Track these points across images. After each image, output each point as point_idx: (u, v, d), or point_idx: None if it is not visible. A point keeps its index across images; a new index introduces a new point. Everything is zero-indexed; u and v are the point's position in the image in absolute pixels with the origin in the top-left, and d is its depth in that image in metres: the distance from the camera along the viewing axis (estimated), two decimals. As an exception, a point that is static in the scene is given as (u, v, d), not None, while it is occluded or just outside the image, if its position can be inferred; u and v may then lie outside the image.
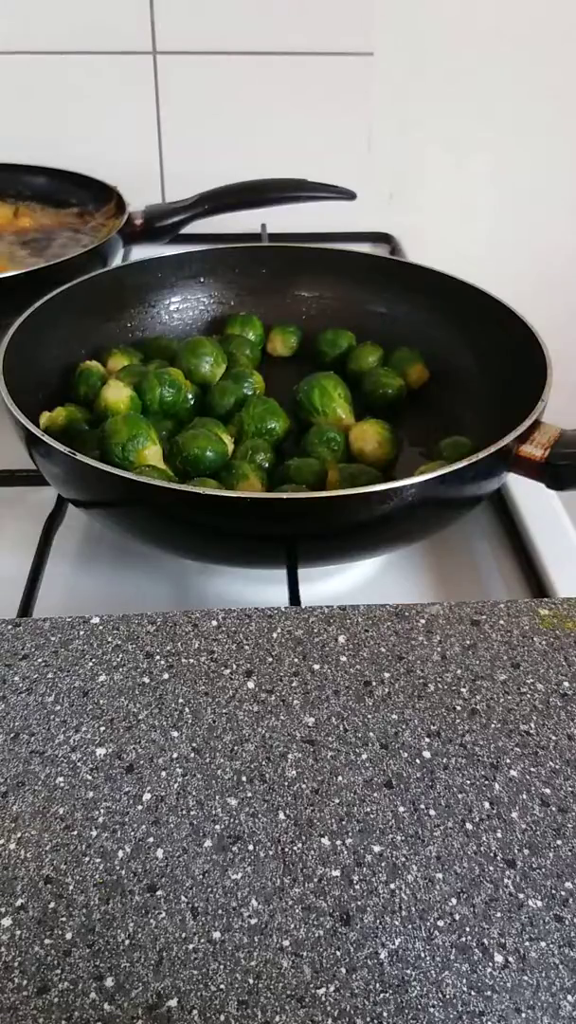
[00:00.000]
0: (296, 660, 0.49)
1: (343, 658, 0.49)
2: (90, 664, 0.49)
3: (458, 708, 0.47)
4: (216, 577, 0.73)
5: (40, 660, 0.49)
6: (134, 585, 0.72)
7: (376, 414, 0.84)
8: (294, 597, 0.64)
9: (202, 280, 0.93)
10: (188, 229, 1.09)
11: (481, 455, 0.64)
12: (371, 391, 0.85)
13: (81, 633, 0.50)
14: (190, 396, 0.81)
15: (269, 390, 0.86)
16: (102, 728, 0.46)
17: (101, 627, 0.51)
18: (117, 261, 1.06)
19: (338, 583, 0.73)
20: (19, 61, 1.15)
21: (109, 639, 0.50)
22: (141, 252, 1.10)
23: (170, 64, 1.17)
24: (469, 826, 0.43)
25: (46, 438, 0.65)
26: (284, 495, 0.60)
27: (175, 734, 0.45)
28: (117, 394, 0.77)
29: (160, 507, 0.63)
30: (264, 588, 0.71)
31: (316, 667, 0.49)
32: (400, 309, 0.92)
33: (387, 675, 0.49)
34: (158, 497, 0.61)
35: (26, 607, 0.60)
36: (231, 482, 0.71)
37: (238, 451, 0.76)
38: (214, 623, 0.51)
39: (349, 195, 1.08)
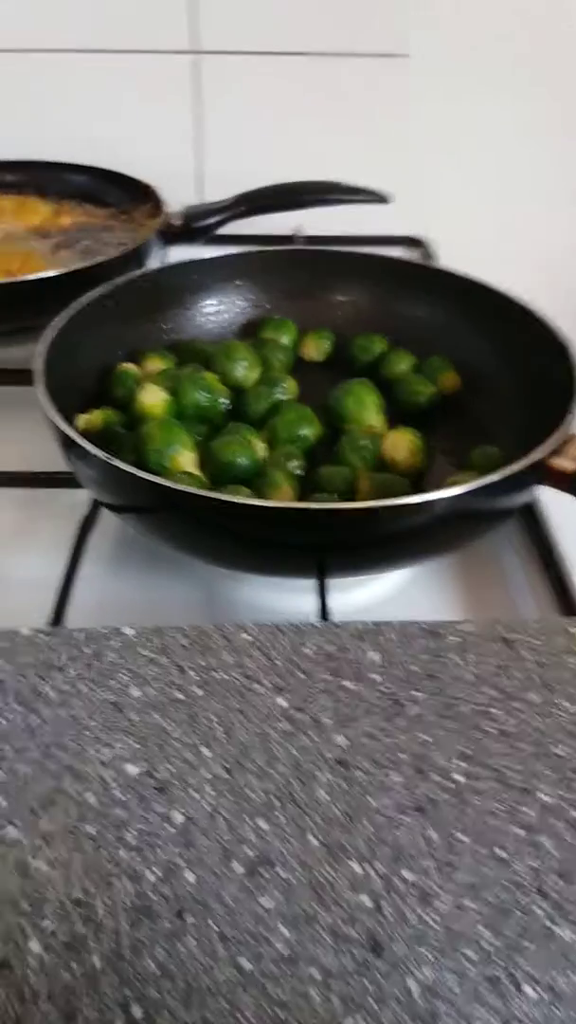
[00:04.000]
0: (328, 677, 0.48)
1: (375, 676, 0.48)
2: (124, 677, 0.48)
3: (490, 730, 0.46)
4: (246, 585, 0.71)
5: (74, 672, 0.48)
6: (165, 590, 0.71)
7: (408, 421, 0.82)
8: (323, 608, 0.63)
9: (238, 283, 0.92)
10: (223, 230, 1.08)
11: (512, 469, 0.62)
12: (403, 399, 0.83)
13: (115, 645, 0.49)
14: (224, 400, 0.80)
15: (302, 395, 0.84)
16: (135, 745, 0.45)
17: (135, 639, 0.50)
18: (155, 261, 1.04)
19: (367, 593, 0.72)
20: (60, 59, 1.13)
21: (142, 652, 0.49)
22: (178, 253, 1.08)
23: (210, 63, 1.15)
24: (501, 853, 0.41)
25: (84, 443, 0.64)
26: (316, 505, 0.59)
27: (207, 753, 0.44)
28: (153, 398, 0.75)
29: (194, 514, 0.61)
30: (293, 596, 0.69)
31: (348, 685, 0.47)
32: (432, 314, 0.90)
33: (419, 695, 0.47)
34: (192, 504, 0.60)
35: (59, 613, 0.59)
36: (264, 490, 0.70)
37: (271, 458, 0.74)
38: (246, 637, 0.50)
39: (382, 198, 1.05)
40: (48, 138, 1.17)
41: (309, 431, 0.77)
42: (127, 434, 0.75)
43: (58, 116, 1.17)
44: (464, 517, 0.63)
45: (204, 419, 0.78)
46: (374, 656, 0.49)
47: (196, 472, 0.71)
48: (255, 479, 0.71)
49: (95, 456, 0.62)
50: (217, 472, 0.71)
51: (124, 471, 0.61)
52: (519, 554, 0.75)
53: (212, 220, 1.02)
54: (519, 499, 0.67)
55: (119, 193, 1.13)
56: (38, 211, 1.08)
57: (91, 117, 1.17)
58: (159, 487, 0.60)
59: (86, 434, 0.75)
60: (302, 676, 0.48)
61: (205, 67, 1.15)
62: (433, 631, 0.50)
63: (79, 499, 0.73)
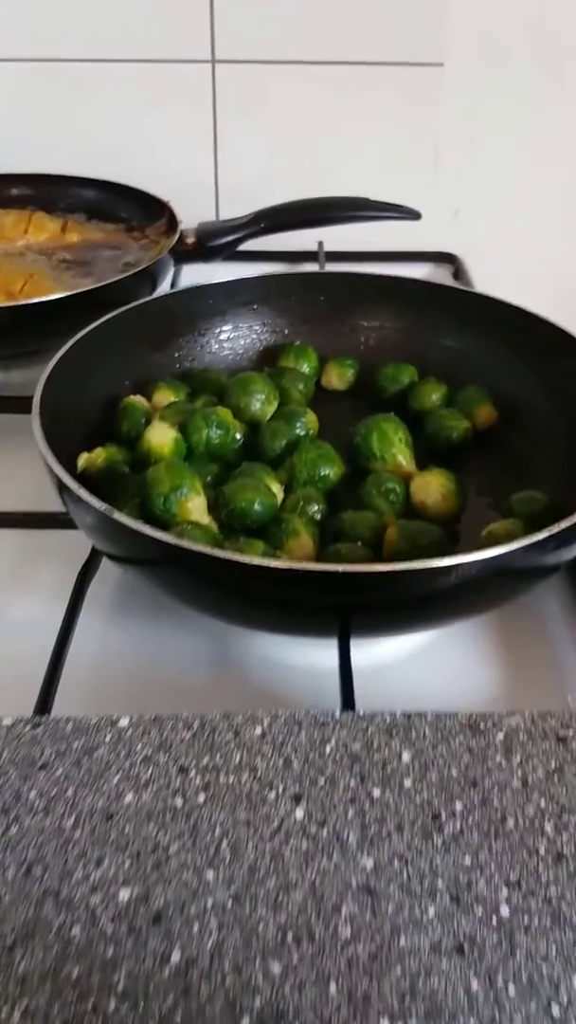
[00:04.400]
0: (353, 783, 0.41)
1: (407, 782, 0.41)
2: (116, 779, 0.41)
3: (541, 851, 0.39)
4: (259, 637, 0.65)
5: (60, 772, 0.42)
6: (170, 641, 0.65)
7: (439, 458, 0.76)
8: (346, 672, 0.56)
9: (255, 307, 0.86)
10: (241, 246, 1.01)
11: (563, 525, 0.55)
12: (434, 433, 0.77)
13: (107, 739, 0.43)
14: (239, 436, 0.74)
15: (323, 429, 0.78)
16: (127, 863, 0.38)
17: (130, 732, 0.43)
18: (167, 281, 0.98)
19: (392, 647, 0.65)
20: (71, 69, 1.08)
21: (138, 747, 0.43)
22: (192, 272, 1.02)
23: (229, 73, 1.09)
24: (556, 1010, 0.35)
25: (81, 492, 0.57)
26: (338, 568, 0.52)
27: (210, 875, 0.38)
28: (161, 436, 0.69)
29: (201, 572, 0.55)
30: (312, 651, 0.63)
31: (376, 793, 0.41)
32: (466, 342, 0.83)
33: (459, 806, 0.41)
34: (199, 563, 0.53)
35: (47, 695, 0.53)
36: (280, 537, 0.63)
37: (288, 501, 0.68)
38: (258, 731, 0.43)
39: (414, 215, 0.99)
40: (56, 150, 1.11)
41: (331, 471, 0.71)
42: (132, 475, 0.69)
43: (66, 127, 1.11)
44: (504, 576, 0.57)
45: (216, 457, 0.72)
46: (406, 756, 0.42)
47: (206, 519, 0.65)
48: (271, 526, 0.65)
49: (92, 506, 0.56)
50: (230, 518, 0.64)
51: (124, 525, 0.55)
52: (563, 603, 0.68)
53: (228, 239, 0.96)
54: (566, 555, 0.60)
55: (131, 208, 1.07)
56: (45, 227, 1.02)
57: (101, 128, 1.12)
58: (162, 544, 0.54)
59: (86, 474, 0.70)
60: (323, 782, 0.41)
61: (224, 76, 1.09)
62: (474, 725, 0.43)
63: (81, 541, 0.66)
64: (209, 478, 0.70)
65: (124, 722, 0.43)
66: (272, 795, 0.41)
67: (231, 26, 1.05)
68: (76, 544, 0.67)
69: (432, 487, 0.68)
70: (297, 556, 0.63)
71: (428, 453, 0.76)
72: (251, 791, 0.41)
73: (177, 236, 0.96)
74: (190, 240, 0.97)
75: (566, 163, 1.17)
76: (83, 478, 0.70)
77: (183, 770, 0.42)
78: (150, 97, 1.10)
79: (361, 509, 0.68)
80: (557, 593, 0.68)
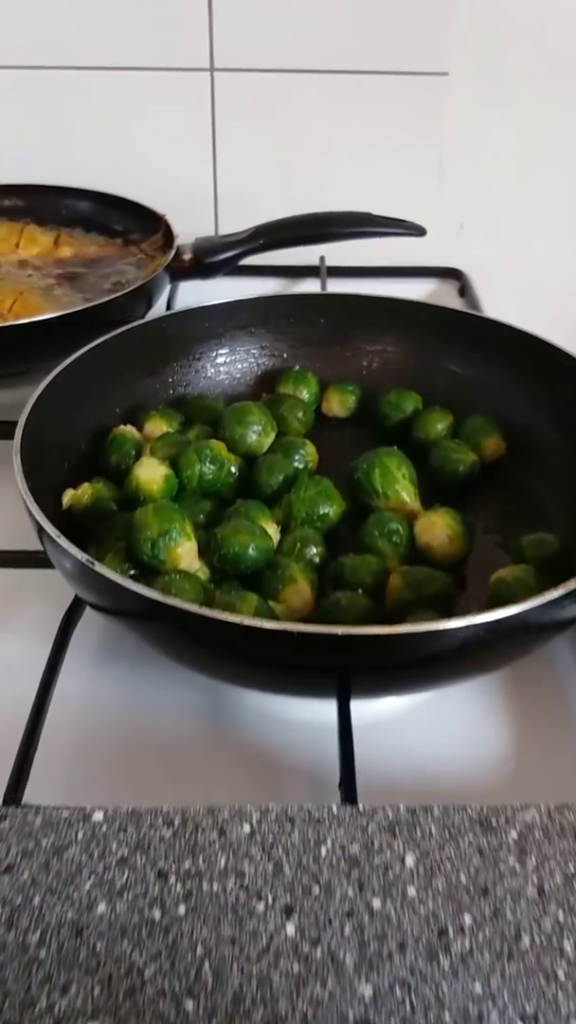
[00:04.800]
0: (351, 892, 0.37)
1: (411, 890, 0.37)
2: (88, 885, 0.37)
3: (560, 976, 0.35)
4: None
5: (26, 875, 0.37)
6: (160, 692, 0.60)
7: (445, 492, 0.71)
8: (345, 736, 0.52)
9: (252, 330, 0.81)
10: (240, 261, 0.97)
11: (578, 582, 0.51)
12: (440, 467, 0.72)
13: (80, 835, 0.39)
14: (234, 470, 0.69)
15: (323, 459, 0.73)
16: (97, 990, 0.34)
17: (105, 828, 0.39)
18: (163, 299, 0.94)
19: (394, 700, 0.60)
20: (65, 76, 1.03)
21: (113, 846, 0.38)
22: (189, 289, 0.98)
23: (228, 82, 1.04)
24: None
25: (61, 540, 0.53)
26: (337, 631, 0.48)
27: (190, 1005, 0.33)
28: (150, 473, 0.65)
29: (189, 630, 0.51)
30: (310, 703, 0.59)
31: (376, 904, 0.36)
32: (473, 368, 0.78)
33: (468, 919, 0.36)
34: (187, 621, 0.49)
35: (19, 780, 0.48)
36: (276, 585, 0.59)
37: (285, 543, 0.64)
38: (246, 829, 0.39)
39: (418, 231, 0.94)
40: (49, 160, 1.06)
41: (330, 509, 0.66)
42: (120, 514, 0.64)
43: (60, 136, 1.06)
44: (515, 635, 0.52)
45: (209, 493, 0.68)
46: (410, 860, 0.38)
47: (197, 564, 0.60)
48: (266, 571, 0.60)
49: (72, 555, 0.52)
50: (222, 563, 0.60)
51: (103, 577, 0.50)
52: (573, 649, 0.63)
53: (226, 255, 0.91)
54: (581, 610, 0.55)
55: (127, 221, 1.02)
56: (36, 241, 0.98)
57: (96, 137, 1.07)
58: (146, 600, 0.49)
59: (72, 511, 0.65)
60: (317, 891, 0.37)
61: (223, 85, 1.04)
62: (485, 821, 0.39)
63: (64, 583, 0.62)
64: (201, 516, 0.65)
65: (99, 816, 0.39)
66: (261, 906, 0.36)
67: (230, 33, 1.00)
68: (62, 583, 0.62)
69: (438, 528, 0.64)
70: (294, 606, 0.58)
71: (433, 487, 0.72)
72: (237, 901, 0.36)
73: (173, 252, 0.91)
74: (187, 256, 0.93)
75: (571, 174, 1.12)
76: (69, 514, 0.66)
77: (162, 875, 0.37)
78: (147, 106, 1.05)
79: (362, 551, 0.64)
80: (571, 641, 0.63)
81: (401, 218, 0.94)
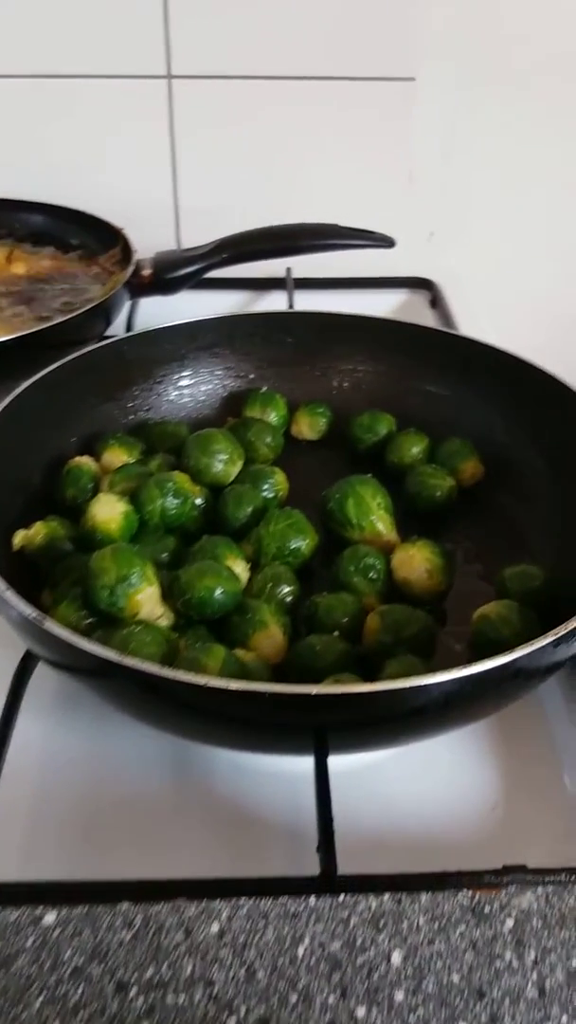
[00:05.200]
0: (332, 999, 0.33)
1: (399, 994, 0.33)
2: (38, 1003, 0.32)
3: None
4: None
5: (-34, 994, 0.33)
6: (122, 743, 0.56)
7: (422, 519, 0.68)
8: (323, 795, 0.48)
9: (216, 351, 0.77)
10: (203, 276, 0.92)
11: (571, 626, 0.47)
12: (416, 493, 0.68)
13: (29, 943, 0.34)
14: (199, 502, 0.65)
15: (294, 484, 0.69)
16: None
17: (57, 932, 0.34)
18: (122, 317, 0.89)
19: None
20: (17, 85, 0.98)
21: (67, 954, 0.34)
22: (151, 304, 0.93)
23: (187, 89, 0.99)
24: None
25: (8, 594, 0.49)
26: (312, 691, 0.44)
27: None
28: (108, 511, 0.60)
29: (150, 689, 0.46)
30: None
31: (360, 1013, 0.32)
32: (448, 388, 0.75)
33: (464, 1030, 0.32)
34: (148, 681, 0.45)
35: None
36: (246, 630, 0.55)
37: (255, 581, 0.59)
38: (215, 928, 0.34)
39: (387, 242, 0.90)
40: (3, 172, 1.01)
41: (303, 543, 0.62)
42: (76, 555, 0.60)
43: (10, 147, 1.01)
44: (502, 683, 0.48)
45: (173, 528, 0.63)
46: (396, 958, 0.34)
47: (160, 610, 0.56)
48: (235, 615, 0.56)
49: (23, 614, 0.48)
50: (187, 608, 0.55)
51: (53, 636, 0.46)
52: (566, 694, 0.60)
53: (188, 270, 0.87)
54: (569, 652, 0.52)
55: (83, 235, 0.97)
56: (-12, 258, 0.93)
57: (49, 148, 1.02)
58: (101, 661, 0.45)
59: (27, 552, 0.61)
60: (295, 999, 0.32)
61: (181, 93, 0.99)
62: (478, 910, 0.35)
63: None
64: (164, 555, 0.61)
65: (50, 918, 0.35)
66: (232, 1021, 0.32)
67: (188, 38, 0.96)
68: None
69: (416, 562, 0.60)
70: (266, 653, 0.54)
71: (409, 513, 0.68)
72: (206, 1017, 0.32)
73: (132, 268, 0.87)
74: (146, 272, 0.88)
75: (542, 180, 1.08)
76: (21, 555, 0.61)
77: (122, 988, 0.33)
78: (103, 115, 1.00)
79: (337, 588, 0.60)
80: (561, 679, 0.60)
81: (370, 230, 0.90)
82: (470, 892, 0.34)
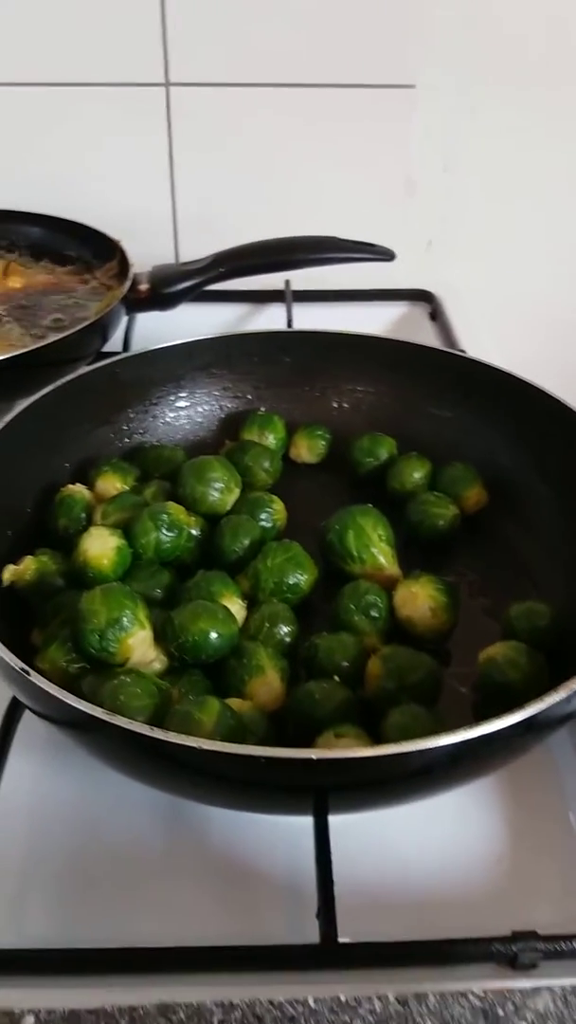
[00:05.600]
0: None
1: None
2: None
3: None
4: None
5: None
6: (116, 791, 0.53)
7: (424, 548, 0.65)
8: (323, 856, 0.45)
9: (214, 372, 0.73)
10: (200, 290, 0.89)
11: (580, 684, 0.44)
12: (418, 521, 0.65)
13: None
14: (195, 532, 0.62)
15: (292, 510, 0.66)
16: None
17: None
18: (120, 332, 0.86)
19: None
20: (12, 93, 0.94)
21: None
22: (148, 317, 0.90)
23: (185, 97, 0.95)
24: None
25: (-7, 644, 0.46)
26: (312, 755, 0.41)
27: None
28: (100, 547, 0.57)
29: (140, 749, 0.43)
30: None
31: None
32: (451, 410, 0.71)
33: None
34: (138, 741, 0.42)
35: None
36: (242, 676, 0.52)
37: (252, 620, 0.56)
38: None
39: (387, 255, 0.87)
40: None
41: (302, 578, 0.59)
42: (67, 592, 0.57)
43: (6, 157, 0.98)
44: (513, 739, 0.45)
45: (168, 561, 0.60)
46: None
47: (152, 655, 0.53)
48: (231, 659, 0.53)
49: (8, 665, 0.45)
50: (181, 652, 0.52)
51: (42, 691, 0.43)
52: (569, 728, 0.57)
53: (185, 285, 0.84)
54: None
55: (79, 247, 0.94)
56: (-18, 272, 0.90)
57: (45, 158, 0.98)
58: (90, 718, 0.42)
59: (16, 588, 0.58)
60: None
61: (179, 101, 0.96)
62: (490, 1013, 0.32)
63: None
64: (158, 591, 0.58)
65: (30, 1021, 0.32)
66: None
67: (186, 45, 0.92)
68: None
69: (419, 600, 0.57)
70: (262, 701, 0.51)
71: (411, 542, 0.65)
72: None
73: (129, 283, 0.83)
74: (143, 286, 0.85)
75: (542, 189, 1.05)
76: (11, 590, 0.58)
77: None
78: (99, 123, 0.97)
79: (337, 627, 0.57)
80: (571, 726, 0.56)
81: (370, 242, 0.87)
82: (481, 992, 0.31)
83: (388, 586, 0.59)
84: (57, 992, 0.41)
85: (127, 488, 0.65)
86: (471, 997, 0.32)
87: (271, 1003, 0.32)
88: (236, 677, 0.52)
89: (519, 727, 0.42)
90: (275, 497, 0.65)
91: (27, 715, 0.53)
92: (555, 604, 0.57)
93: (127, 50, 0.93)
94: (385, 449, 0.70)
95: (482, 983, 0.34)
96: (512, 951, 0.43)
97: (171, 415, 0.73)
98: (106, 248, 0.92)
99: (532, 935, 0.43)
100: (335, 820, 0.47)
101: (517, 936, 0.43)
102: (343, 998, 0.32)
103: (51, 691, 0.43)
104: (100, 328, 0.81)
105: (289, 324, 0.89)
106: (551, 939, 0.43)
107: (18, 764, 0.52)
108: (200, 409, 0.74)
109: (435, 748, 0.41)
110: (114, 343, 0.85)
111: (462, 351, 0.81)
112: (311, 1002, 0.32)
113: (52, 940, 0.45)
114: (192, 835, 0.52)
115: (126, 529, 0.59)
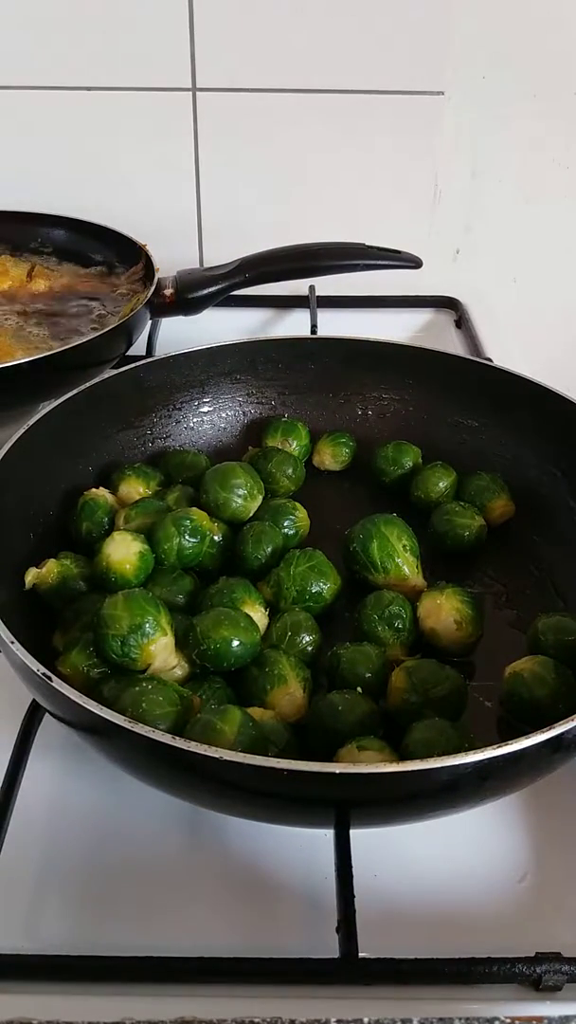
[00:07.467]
0: None
1: None
2: None
3: None
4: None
5: None
6: (135, 799, 0.52)
7: (448, 559, 0.64)
8: (344, 872, 0.44)
9: (238, 377, 0.73)
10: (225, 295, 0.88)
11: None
12: (444, 532, 0.64)
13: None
14: (217, 538, 0.61)
15: (315, 518, 0.65)
16: None
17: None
18: (143, 337, 0.85)
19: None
20: (40, 97, 0.94)
21: None
22: (170, 323, 0.89)
23: (211, 102, 0.95)
24: None
25: (16, 648, 0.45)
26: (336, 769, 0.40)
27: None
28: (123, 552, 0.56)
29: (162, 758, 0.43)
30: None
31: None
32: (477, 419, 0.70)
33: None
34: (160, 751, 0.41)
35: None
36: (264, 685, 0.51)
37: (274, 628, 0.55)
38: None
39: (415, 262, 0.86)
40: (23, 186, 0.97)
41: (324, 587, 0.58)
42: (89, 595, 0.56)
43: (34, 161, 0.97)
44: (540, 758, 0.44)
45: (190, 567, 0.60)
46: None
47: (174, 661, 0.52)
48: (252, 667, 0.52)
49: (32, 671, 0.44)
50: (203, 659, 0.51)
51: (64, 696, 0.42)
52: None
53: (209, 290, 0.83)
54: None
55: (105, 250, 0.93)
56: (8, 273, 0.89)
57: (72, 162, 0.98)
58: (115, 727, 0.41)
59: (39, 591, 0.57)
60: None
61: (206, 106, 0.95)
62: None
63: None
64: (180, 597, 0.57)
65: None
66: None
67: (213, 51, 0.92)
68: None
69: (444, 612, 0.56)
70: (285, 711, 0.50)
71: (436, 552, 0.64)
72: None
73: (154, 287, 0.83)
74: (168, 291, 0.84)
75: (569, 198, 1.03)
76: (34, 593, 0.57)
77: None
78: (126, 128, 0.96)
79: (360, 637, 0.56)
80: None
81: (396, 249, 0.85)
82: (508, 1019, 0.30)
83: (412, 597, 0.58)
84: (74, 1000, 0.41)
85: (150, 493, 0.65)
86: (498, 1025, 0.31)
87: (292, 1022, 0.31)
88: (258, 686, 0.51)
89: (547, 745, 0.41)
90: (298, 504, 0.64)
91: (47, 719, 0.52)
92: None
93: (155, 55, 0.92)
94: (410, 458, 0.69)
95: (508, 1008, 0.33)
96: (536, 973, 0.42)
97: (194, 420, 0.72)
98: (131, 252, 0.91)
99: (556, 957, 0.42)
100: (356, 832, 0.45)
101: (541, 957, 0.42)
102: (366, 1020, 0.31)
103: (73, 697, 0.42)
104: (125, 332, 0.80)
105: (313, 330, 0.88)
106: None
107: (38, 768, 0.51)
108: (224, 415, 0.73)
109: (461, 764, 0.40)
110: (138, 347, 0.84)
111: (488, 359, 0.80)
112: (333, 1023, 0.31)
113: (68, 946, 0.44)
114: (210, 843, 0.51)
115: (149, 534, 0.59)
